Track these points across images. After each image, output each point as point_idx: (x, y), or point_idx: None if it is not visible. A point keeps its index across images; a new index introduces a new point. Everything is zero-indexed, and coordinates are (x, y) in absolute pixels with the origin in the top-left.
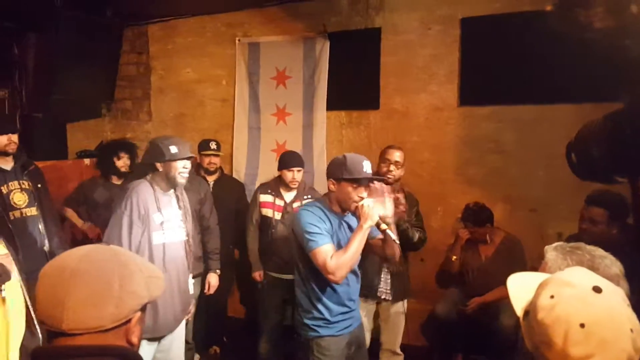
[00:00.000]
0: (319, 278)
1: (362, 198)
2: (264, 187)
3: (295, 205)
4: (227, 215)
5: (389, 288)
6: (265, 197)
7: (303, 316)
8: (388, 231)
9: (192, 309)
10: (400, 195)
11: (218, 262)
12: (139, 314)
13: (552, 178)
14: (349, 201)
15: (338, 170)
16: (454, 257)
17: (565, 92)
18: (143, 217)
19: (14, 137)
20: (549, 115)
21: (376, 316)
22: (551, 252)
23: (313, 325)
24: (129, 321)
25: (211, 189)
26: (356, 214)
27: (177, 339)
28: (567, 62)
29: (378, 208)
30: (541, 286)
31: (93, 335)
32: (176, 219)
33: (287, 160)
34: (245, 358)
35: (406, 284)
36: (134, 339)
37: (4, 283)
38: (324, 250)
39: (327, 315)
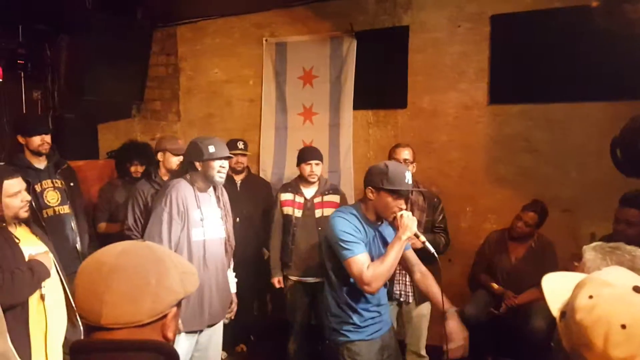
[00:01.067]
0: (349, 284)
1: (401, 209)
2: (284, 187)
3: (317, 200)
4: (254, 215)
5: (409, 291)
6: (285, 196)
7: (332, 321)
8: (427, 244)
9: (234, 307)
10: (419, 199)
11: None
12: (174, 309)
13: (585, 178)
14: (388, 211)
15: (379, 179)
16: (496, 287)
17: (598, 89)
18: (182, 214)
19: (47, 138)
20: (581, 114)
21: (400, 317)
22: (590, 252)
23: (343, 330)
24: (165, 316)
25: (238, 189)
26: (394, 224)
27: (216, 336)
28: (599, 59)
29: (416, 220)
30: (578, 286)
31: (131, 330)
32: (216, 217)
33: (304, 154)
34: (272, 357)
35: None
36: (170, 334)
37: (43, 280)
38: (360, 260)
39: (356, 320)
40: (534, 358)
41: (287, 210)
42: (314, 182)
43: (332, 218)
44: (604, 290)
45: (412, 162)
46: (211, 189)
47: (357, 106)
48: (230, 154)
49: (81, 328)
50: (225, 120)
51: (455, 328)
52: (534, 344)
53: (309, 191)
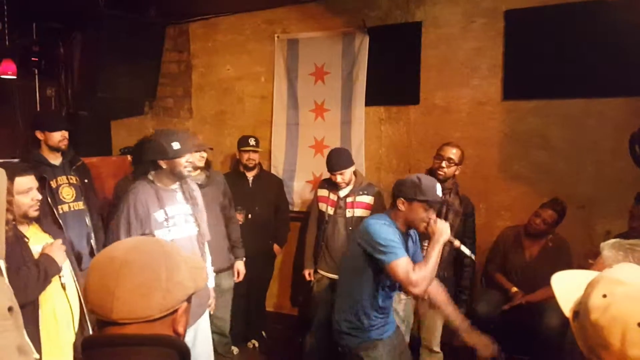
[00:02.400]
0: (369, 292)
1: (431, 219)
2: (323, 182)
3: (349, 200)
4: (266, 211)
5: None
6: (322, 192)
7: (342, 325)
8: (462, 247)
9: (211, 302)
10: (456, 202)
11: (243, 250)
12: (185, 304)
13: (600, 174)
14: (419, 222)
15: (411, 191)
16: (514, 290)
17: (614, 85)
18: (142, 218)
19: (67, 134)
20: (597, 110)
21: (416, 313)
22: (609, 250)
23: (355, 334)
24: (175, 311)
25: (250, 185)
26: (427, 232)
27: (201, 333)
28: (616, 55)
29: (449, 226)
30: (591, 285)
31: (142, 325)
32: (183, 213)
33: (329, 163)
34: (283, 353)
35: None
36: (181, 329)
37: (52, 276)
38: (405, 263)
39: (367, 324)
40: (547, 356)
41: (322, 206)
42: (343, 188)
43: (371, 225)
44: (617, 288)
45: (456, 163)
46: (177, 184)
47: (369, 103)
48: (242, 150)
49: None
50: (236, 117)
51: (475, 339)
52: (547, 342)
53: (343, 190)
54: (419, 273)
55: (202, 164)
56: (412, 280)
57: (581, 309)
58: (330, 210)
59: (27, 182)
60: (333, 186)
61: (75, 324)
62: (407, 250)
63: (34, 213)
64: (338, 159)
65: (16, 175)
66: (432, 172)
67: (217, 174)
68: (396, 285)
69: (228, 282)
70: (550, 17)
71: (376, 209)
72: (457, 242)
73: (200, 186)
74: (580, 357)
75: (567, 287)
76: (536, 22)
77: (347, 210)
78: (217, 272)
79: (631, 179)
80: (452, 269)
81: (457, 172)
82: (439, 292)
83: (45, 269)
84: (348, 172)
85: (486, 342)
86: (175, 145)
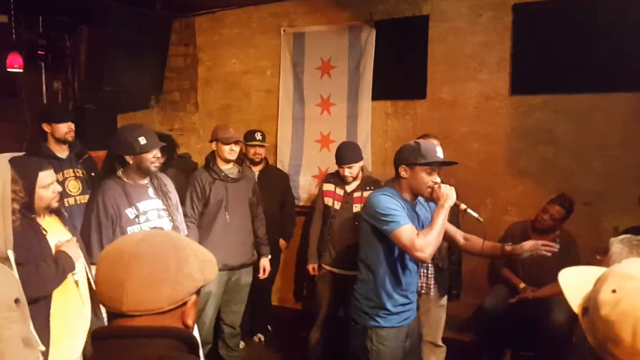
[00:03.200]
0: (387, 265)
1: (435, 183)
2: (329, 176)
3: (356, 195)
4: (272, 206)
5: (431, 283)
6: (328, 186)
7: (364, 304)
8: (469, 210)
9: None
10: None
11: (268, 248)
12: (194, 297)
13: (607, 170)
14: (423, 186)
15: (412, 156)
16: (522, 285)
17: (622, 80)
18: (113, 216)
19: (73, 126)
20: (605, 105)
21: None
22: (617, 245)
23: (374, 314)
24: (184, 304)
25: (256, 180)
26: (432, 197)
27: None
28: (623, 49)
29: (454, 189)
30: (600, 281)
31: (151, 317)
32: (156, 209)
33: (339, 156)
34: (289, 347)
35: (452, 280)
36: (190, 321)
37: (68, 273)
38: (409, 230)
39: (388, 305)
40: (554, 352)
41: (328, 200)
42: (350, 183)
43: (374, 196)
44: (627, 283)
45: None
46: (147, 180)
47: (375, 97)
48: (248, 145)
49: (104, 318)
50: (242, 111)
51: (524, 247)
52: (554, 338)
53: (350, 185)
54: (424, 238)
55: (233, 157)
56: (416, 245)
57: (590, 304)
58: (337, 205)
59: (49, 176)
60: (339, 180)
61: (87, 319)
62: (417, 218)
63: (55, 204)
64: (348, 153)
65: (40, 170)
66: None
67: (249, 170)
68: (413, 264)
69: (247, 278)
70: (558, 11)
71: None
72: (463, 205)
73: (233, 180)
74: (590, 352)
75: (575, 283)
76: (544, 16)
77: (354, 205)
78: (239, 267)
79: (638, 174)
80: (448, 261)
81: None
82: (476, 241)
83: (63, 267)
84: (357, 167)
85: (544, 243)
86: (142, 140)
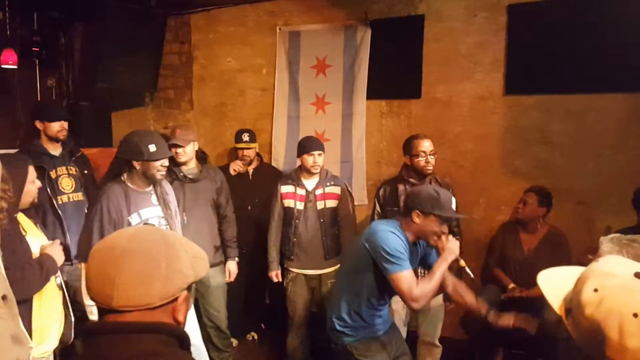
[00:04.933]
0: (372, 291)
1: (443, 233)
2: (284, 179)
3: (318, 192)
4: (266, 203)
5: None
6: (286, 188)
7: (337, 323)
8: (467, 268)
9: None
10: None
11: (236, 250)
12: (185, 293)
13: (601, 170)
14: (432, 235)
15: (429, 205)
16: (512, 286)
17: (616, 80)
18: (115, 222)
19: (66, 125)
20: (598, 105)
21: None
22: (607, 244)
23: (347, 331)
24: (175, 299)
25: (250, 178)
26: (435, 247)
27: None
28: (618, 50)
29: (458, 244)
30: (580, 281)
31: (142, 313)
32: (157, 216)
33: (306, 144)
34: (282, 346)
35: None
36: (181, 317)
37: (52, 275)
38: (409, 277)
39: (361, 323)
40: (547, 351)
41: (289, 202)
42: (315, 173)
43: (382, 232)
44: (608, 281)
45: (434, 154)
46: (151, 187)
47: (370, 96)
48: (237, 146)
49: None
50: (237, 109)
51: (512, 319)
52: (546, 337)
53: (310, 182)
54: (422, 289)
55: (183, 159)
56: (413, 295)
57: (573, 305)
58: (300, 206)
59: (34, 171)
60: (298, 181)
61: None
62: (412, 261)
63: (36, 201)
64: (313, 141)
65: (28, 164)
66: (414, 170)
67: (214, 170)
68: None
69: (218, 279)
70: (552, 11)
71: (343, 198)
72: (462, 262)
73: (191, 180)
74: (578, 352)
75: (554, 284)
76: (539, 17)
77: (317, 202)
78: None
79: (631, 174)
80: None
81: (434, 163)
82: (462, 291)
83: (47, 270)
84: (322, 157)
85: (525, 318)
86: (152, 148)
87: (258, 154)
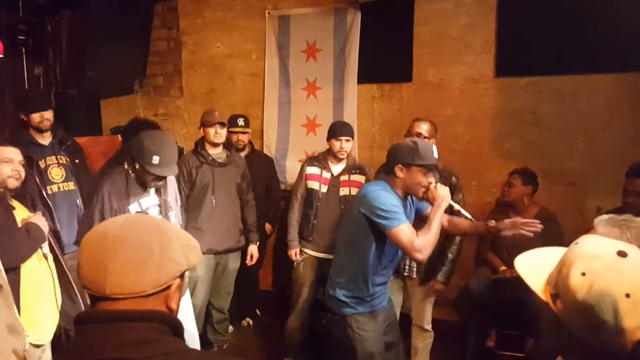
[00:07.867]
0: (376, 253)
1: (430, 183)
2: (312, 160)
3: (343, 178)
4: (257, 190)
5: (414, 265)
6: (312, 170)
7: (340, 293)
8: (462, 211)
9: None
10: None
11: (257, 235)
12: (178, 280)
13: (592, 151)
14: (418, 187)
15: (409, 157)
16: (502, 268)
17: (606, 61)
18: (116, 210)
19: (47, 114)
20: (589, 86)
21: (405, 291)
22: (604, 226)
23: (351, 302)
24: (168, 287)
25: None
26: (425, 197)
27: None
28: (608, 30)
29: (448, 189)
30: (564, 264)
31: (135, 300)
32: (157, 204)
33: (335, 129)
34: (277, 331)
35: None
36: (174, 305)
37: (41, 243)
38: (408, 229)
39: (365, 293)
40: (539, 332)
41: (313, 184)
42: (342, 159)
43: (373, 191)
44: (594, 264)
45: (429, 138)
46: None
47: (361, 80)
48: (231, 131)
49: (81, 302)
50: (228, 96)
51: (507, 224)
52: (538, 317)
53: (336, 168)
54: (423, 239)
55: (219, 140)
56: (415, 246)
57: (560, 290)
58: (323, 189)
59: (10, 153)
60: (325, 164)
61: (57, 294)
62: (407, 216)
63: (13, 183)
64: (344, 126)
65: (1, 145)
66: None
67: (238, 156)
68: (398, 253)
69: (235, 263)
70: None
71: None
72: (456, 206)
73: (220, 165)
74: (568, 338)
75: (533, 267)
76: None
77: (341, 188)
78: (225, 252)
79: (622, 155)
80: (437, 246)
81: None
82: (456, 222)
83: (35, 236)
84: (350, 143)
85: (525, 222)
86: (155, 160)
87: (250, 142)
